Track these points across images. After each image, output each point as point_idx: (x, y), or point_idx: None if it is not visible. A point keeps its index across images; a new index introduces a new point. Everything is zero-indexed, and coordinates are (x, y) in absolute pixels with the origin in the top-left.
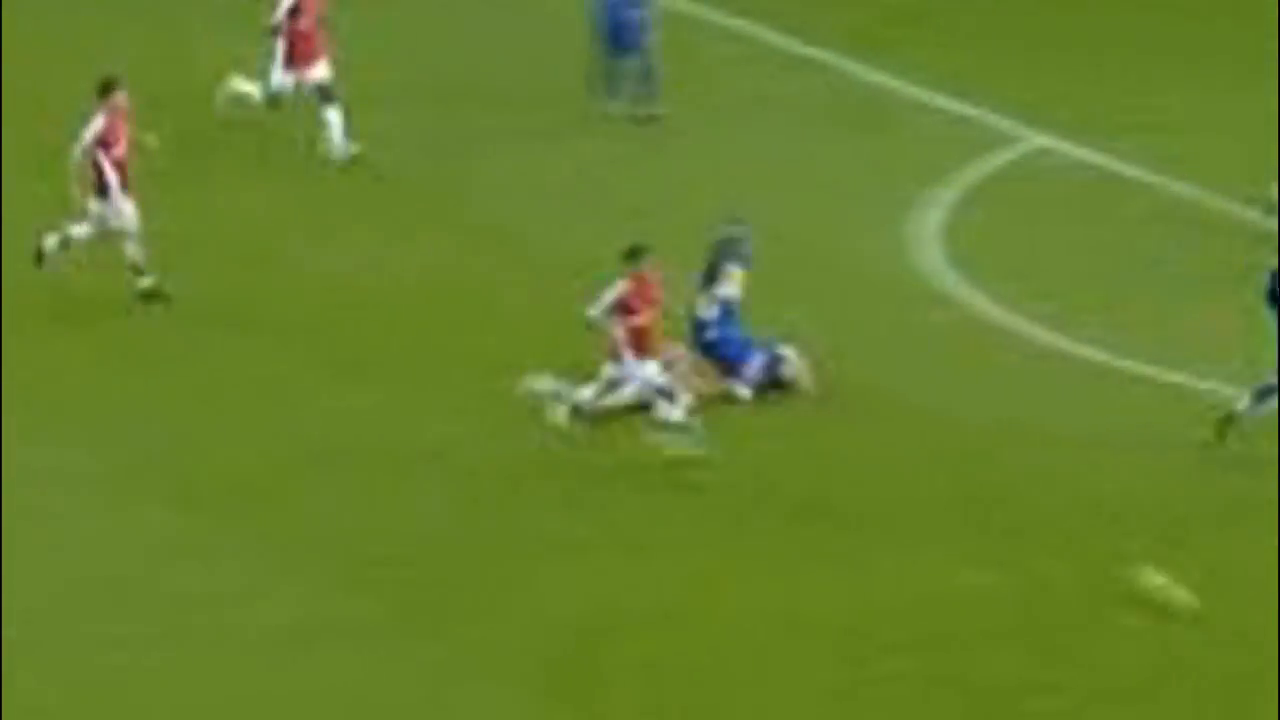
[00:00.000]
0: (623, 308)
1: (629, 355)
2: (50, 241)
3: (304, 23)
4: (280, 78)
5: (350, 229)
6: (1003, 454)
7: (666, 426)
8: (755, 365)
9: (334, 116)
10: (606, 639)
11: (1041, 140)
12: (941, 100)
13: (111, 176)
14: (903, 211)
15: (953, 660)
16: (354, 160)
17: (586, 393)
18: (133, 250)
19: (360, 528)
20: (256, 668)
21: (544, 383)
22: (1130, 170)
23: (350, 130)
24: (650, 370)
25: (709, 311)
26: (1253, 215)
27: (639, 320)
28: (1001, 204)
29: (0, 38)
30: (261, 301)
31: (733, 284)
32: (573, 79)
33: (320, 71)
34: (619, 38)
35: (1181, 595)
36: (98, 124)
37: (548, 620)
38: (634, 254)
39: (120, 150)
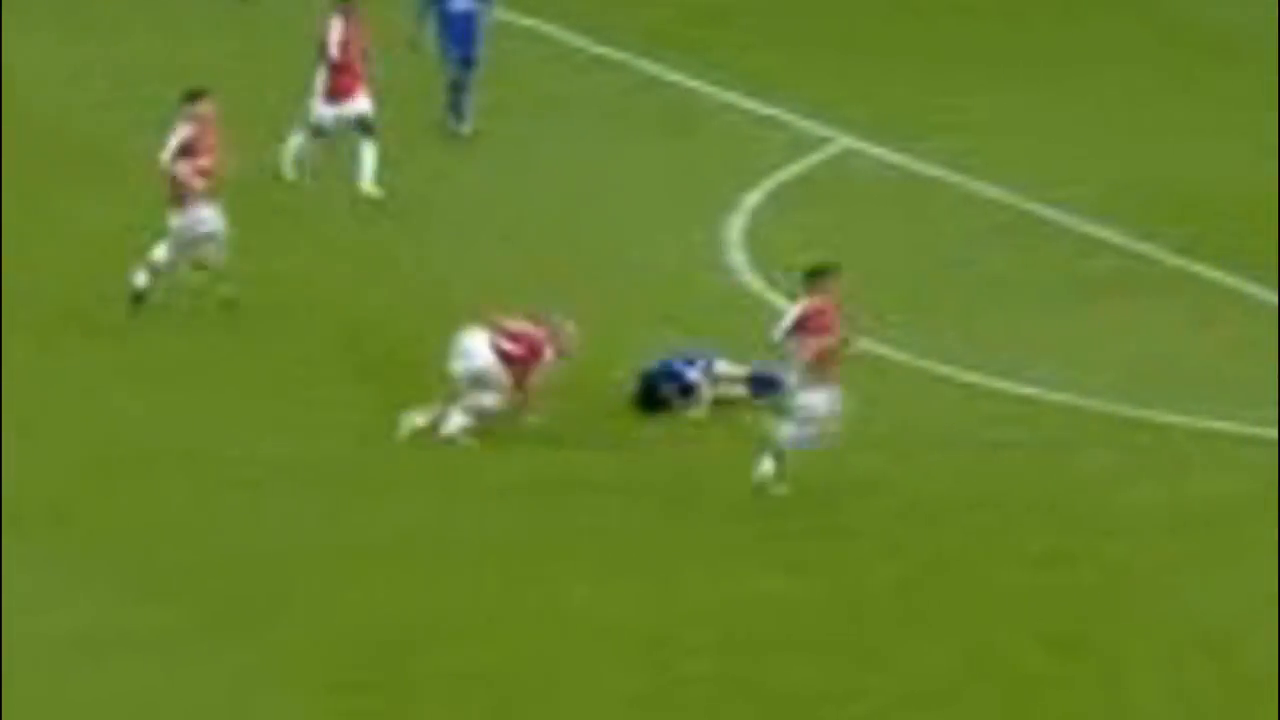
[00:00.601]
0: (805, 327)
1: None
2: (140, 279)
3: (347, 56)
4: (321, 109)
5: None
6: (812, 457)
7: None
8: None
9: (370, 150)
10: (413, 648)
11: (846, 141)
12: (745, 101)
13: (194, 185)
14: (707, 214)
15: (755, 666)
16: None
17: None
18: (214, 255)
19: (162, 536)
20: (48, 677)
21: (420, 419)
22: (934, 171)
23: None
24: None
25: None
26: (1053, 214)
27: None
28: (807, 205)
29: (1, 39)
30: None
31: None
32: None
33: (360, 104)
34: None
35: None
36: (182, 133)
37: (354, 629)
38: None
39: (206, 160)
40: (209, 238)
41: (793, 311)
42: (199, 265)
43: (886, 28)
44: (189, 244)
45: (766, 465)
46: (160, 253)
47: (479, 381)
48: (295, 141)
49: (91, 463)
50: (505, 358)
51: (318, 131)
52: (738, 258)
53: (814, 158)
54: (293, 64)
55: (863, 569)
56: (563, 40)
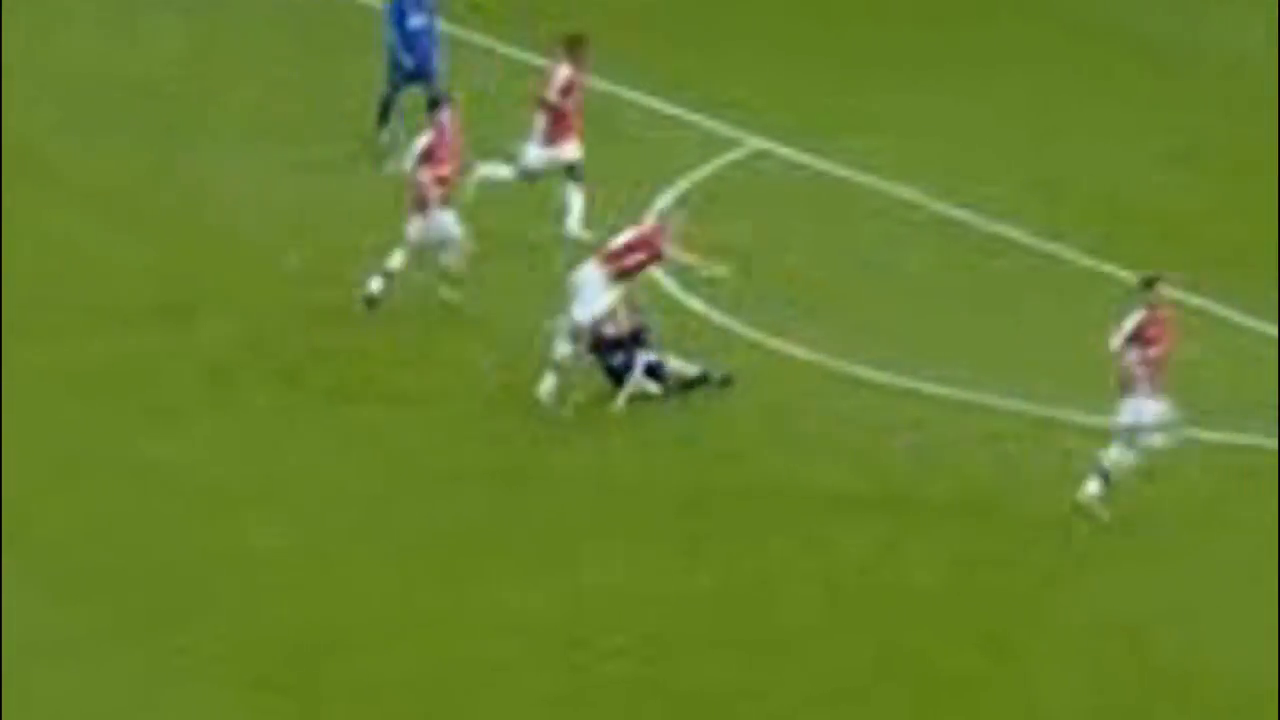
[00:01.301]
0: (1141, 338)
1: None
2: (375, 284)
3: (569, 102)
4: (536, 153)
5: None
6: (729, 457)
7: None
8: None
9: (577, 198)
10: (330, 650)
11: (758, 142)
12: (657, 103)
13: (433, 192)
14: (627, 216)
15: (668, 666)
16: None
17: None
18: (452, 260)
19: (83, 538)
20: None
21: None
22: (846, 172)
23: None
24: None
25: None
26: (963, 215)
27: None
28: (718, 206)
29: (1, 42)
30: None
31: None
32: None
33: (571, 151)
34: (416, 66)
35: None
36: (424, 140)
37: (271, 630)
38: (1149, 283)
39: (444, 168)
40: (446, 243)
41: (1130, 320)
42: (447, 277)
43: (799, 30)
44: (430, 248)
45: (1093, 487)
46: (396, 260)
47: (602, 321)
48: (493, 172)
49: (16, 467)
50: (625, 273)
51: (529, 176)
52: None
53: (726, 158)
54: (239, 68)
55: (779, 568)
56: (487, 46)
